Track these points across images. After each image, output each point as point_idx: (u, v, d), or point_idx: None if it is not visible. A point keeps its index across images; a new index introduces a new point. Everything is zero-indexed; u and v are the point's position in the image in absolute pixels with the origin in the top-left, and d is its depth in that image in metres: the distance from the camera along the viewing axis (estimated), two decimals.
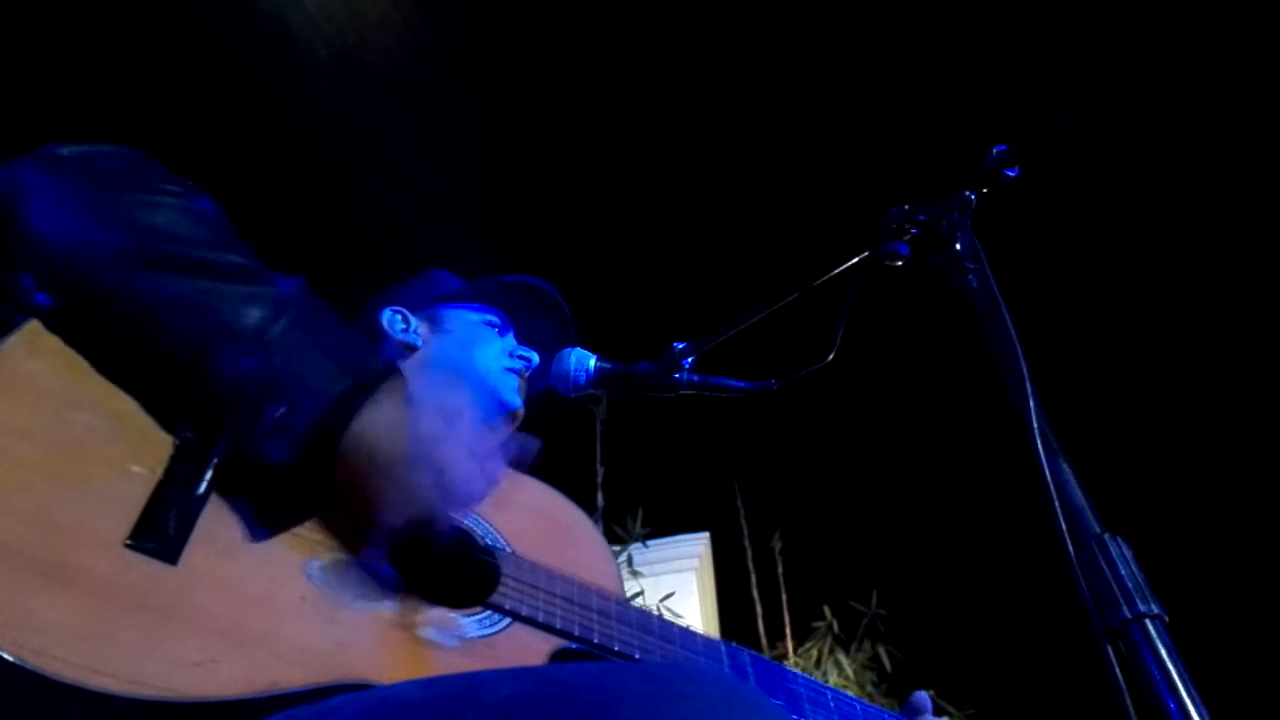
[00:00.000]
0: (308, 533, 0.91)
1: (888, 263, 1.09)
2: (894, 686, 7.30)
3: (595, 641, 1.06)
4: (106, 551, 0.77)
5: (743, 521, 9.22)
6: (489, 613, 1.01)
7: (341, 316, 1.02)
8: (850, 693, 1.43)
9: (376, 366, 0.95)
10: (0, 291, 0.89)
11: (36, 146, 0.93)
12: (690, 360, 1.30)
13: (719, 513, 9.70)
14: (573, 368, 1.35)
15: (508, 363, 1.44)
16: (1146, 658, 0.69)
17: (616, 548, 6.14)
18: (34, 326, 0.87)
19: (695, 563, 9.82)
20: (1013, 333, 0.91)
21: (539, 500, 1.24)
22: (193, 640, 0.76)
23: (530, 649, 1.01)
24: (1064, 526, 0.77)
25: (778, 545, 9.00)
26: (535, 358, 1.48)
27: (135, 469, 0.83)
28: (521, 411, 1.44)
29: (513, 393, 1.42)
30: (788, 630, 8.22)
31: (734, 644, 1.23)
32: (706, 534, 10.06)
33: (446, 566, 1.01)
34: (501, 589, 1.03)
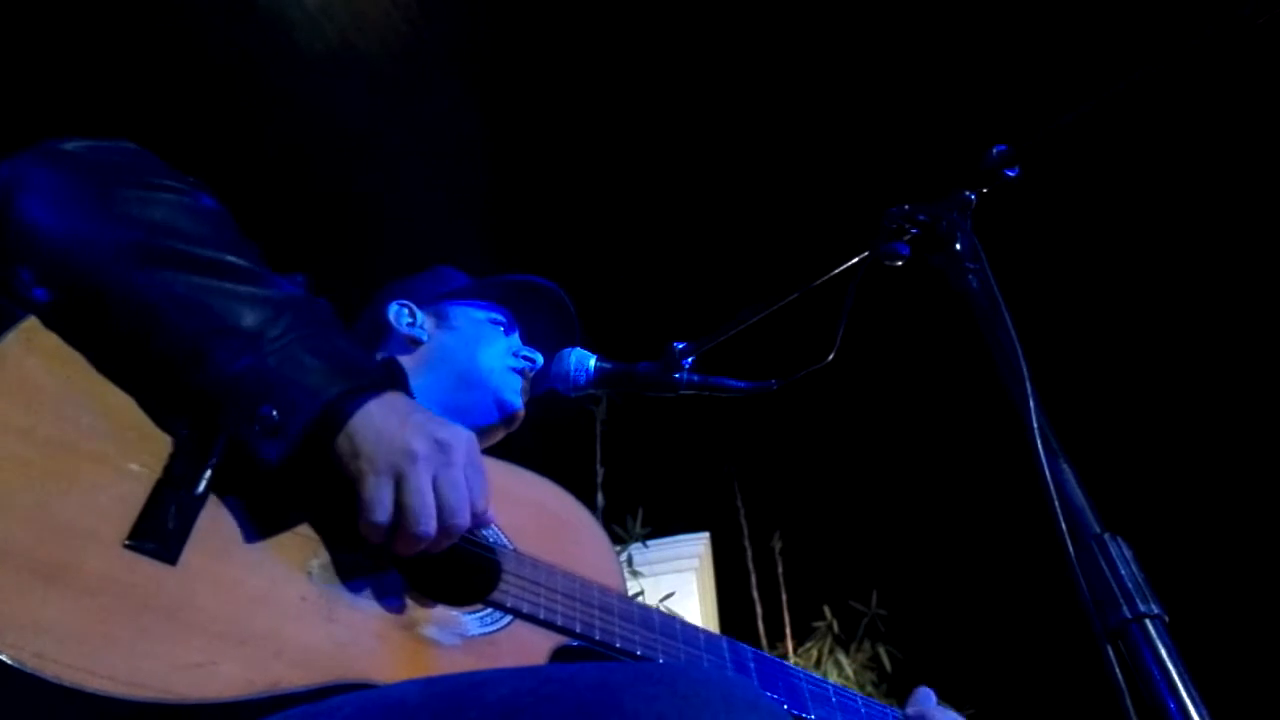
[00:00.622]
0: (307, 532, 0.91)
1: (888, 263, 1.09)
2: (894, 686, 7.30)
3: (597, 638, 1.06)
4: (105, 551, 0.77)
5: (743, 521, 9.22)
6: (490, 610, 1.00)
7: (343, 314, 1.01)
8: None
9: (374, 370, 0.94)
10: None
11: (37, 142, 0.93)
12: (690, 360, 1.30)
13: (719, 513, 9.70)
14: (573, 368, 1.35)
15: (512, 362, 1.44)
16: (1146, 658, 0.69)
17: (616, 548, 6.13)
18: (31, 324, 0.86)
19: (695, 563, 9.82)
20: (1013, 333, 0.91)
21: (541, 495, 1.23)
22: (193, 641, 0.76)
23: (532, 646, 1.01)
24: (1064, 526, 0.77)
25: (778, 545, 9.01)
26: (539, 358, 1.48)
27: (133, 468, 0.83)
28: (522, 413, 1.44)
29: (515, 394, 1.42)
30: (788, 630, 8.23)
31: (735, 640, 1.23)
32: (706, 534, 10.06)
33: (447, 564, 1.01)
34: (503, 586, 1.03)
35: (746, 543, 9.09)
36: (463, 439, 0.93)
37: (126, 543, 0.78)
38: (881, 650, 7.40)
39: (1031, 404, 0.85)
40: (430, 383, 1.37)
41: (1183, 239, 11.84)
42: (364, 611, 0.89)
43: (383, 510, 0.87)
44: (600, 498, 6.52)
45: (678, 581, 8.93)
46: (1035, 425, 0.83)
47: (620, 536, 6.30)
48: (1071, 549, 0.76)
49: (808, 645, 7.59)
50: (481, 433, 1.41)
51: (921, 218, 1.05)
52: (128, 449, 0.84)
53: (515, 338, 1.50)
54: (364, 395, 0.90)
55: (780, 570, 8.84)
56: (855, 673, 7.26)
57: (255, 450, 0.84)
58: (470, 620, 0.98)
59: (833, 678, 7.01)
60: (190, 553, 0.81)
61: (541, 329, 1.54)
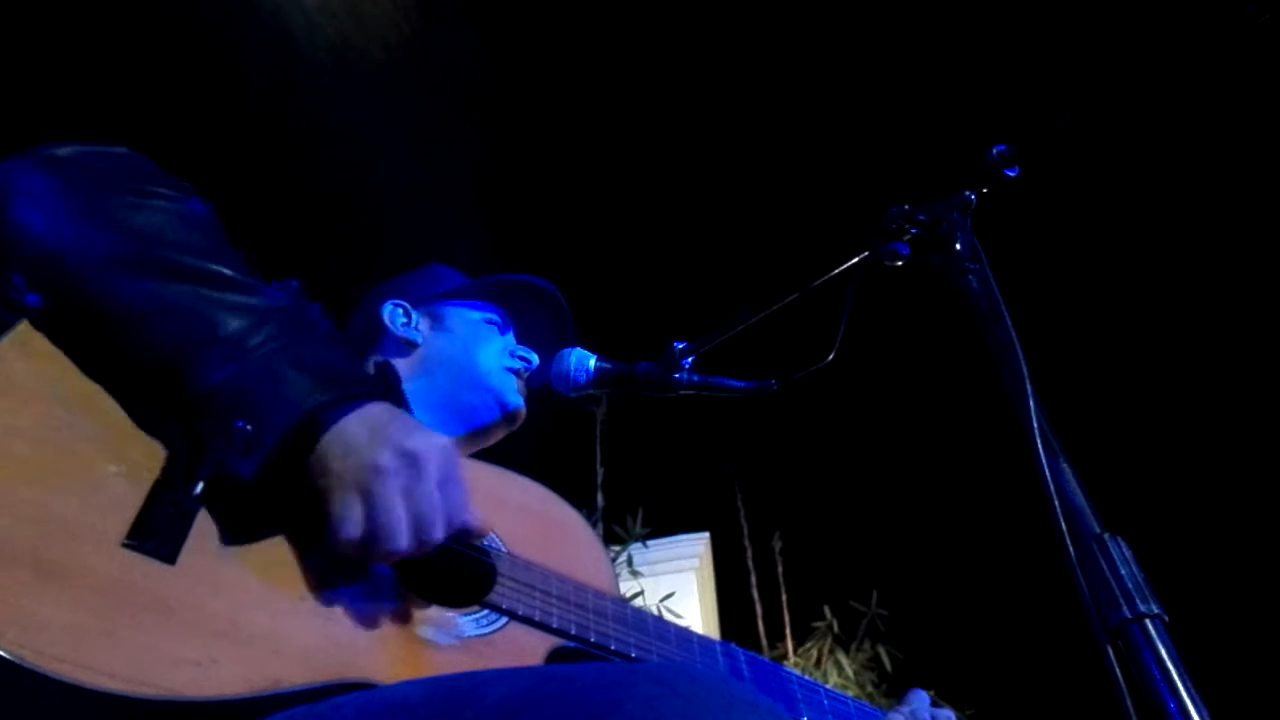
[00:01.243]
0: (303, 533, 0.91)
1: (888, 263, 1.09)
2: (894, 687, 7.30)
3: (592, 640, 1.06)
4: (104, 550, 0.77)
5: (743, 521, 9.23)
6: (486, 612, 1.01)
7: (339, 315, 1.01)
8: (850, 693, 1.43)
9: (356, 379, 0.93)
10: None
11: (31, 147, 0.93)
12: (690, 360, 1.30)
13: (719, 513, 9.71)
14: (573, 368, 1.35)
15: (508, 362, 1.44)
16: (1146, 658, 0.69)
17: (616, 548, 6.14)
18: (25, 328, 0.86)
19: (695, 563, 9.82)
20: (1012, 333, 0.91)
21: (534, 500, 1.23)
22: (192, 639, 0.76)
23: (528, 648, 1.01)
24: (1064, 526, 0.77)
25: (778, 545, 9.01)
26: (535, 358, 1.48)
27: (130, 469, 0.83)
28: (523, 412, 1.44)
29: (514, 394, 1.42)
30: (788, 630, 8.23)
31: (730, 643, 1.23)
32: (706, 534, 10.06)
33: (443, 566, 1.01)
34: (498, 588, 1.03)
35: (746, 543, 9.09)
36: (436, 450, 0.90)
37: (125, 542, 0.78)
38: (881, 650, 7.40)
39: (1031, 404, 0.85)
40: (427, 385, 1.37)
41: (1183, 239, 11.85)
42: (361, 612, 0.89)
43: (351, 526, 0.85)
44: (600, 498, 6.52)
45: (678, 581, 8.92)
46: (1035, 425, 0.83)
47: (620, 536, 6.30)
48: (1071, 549, 0.76)
49: (808, 645, 7.58)
50: (483, 432, 1.42)
51: (921, 218, 1.05)
52: (124, 450, 0.84)
53: (510, 337, 1.50)
54: (343, 406, 0.89)
55: (780, 570, 8.85)
56: (855, 673, 7.25)
57: (230, 466, 0.84)
58: (466, 622, 0.98)
59: (833, 678, 7.01)
60: (188, 552, 0.81)
61: (536, 328, 1.53)
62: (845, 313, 1.18)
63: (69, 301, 0.87)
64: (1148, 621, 0.71)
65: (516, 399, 1.42)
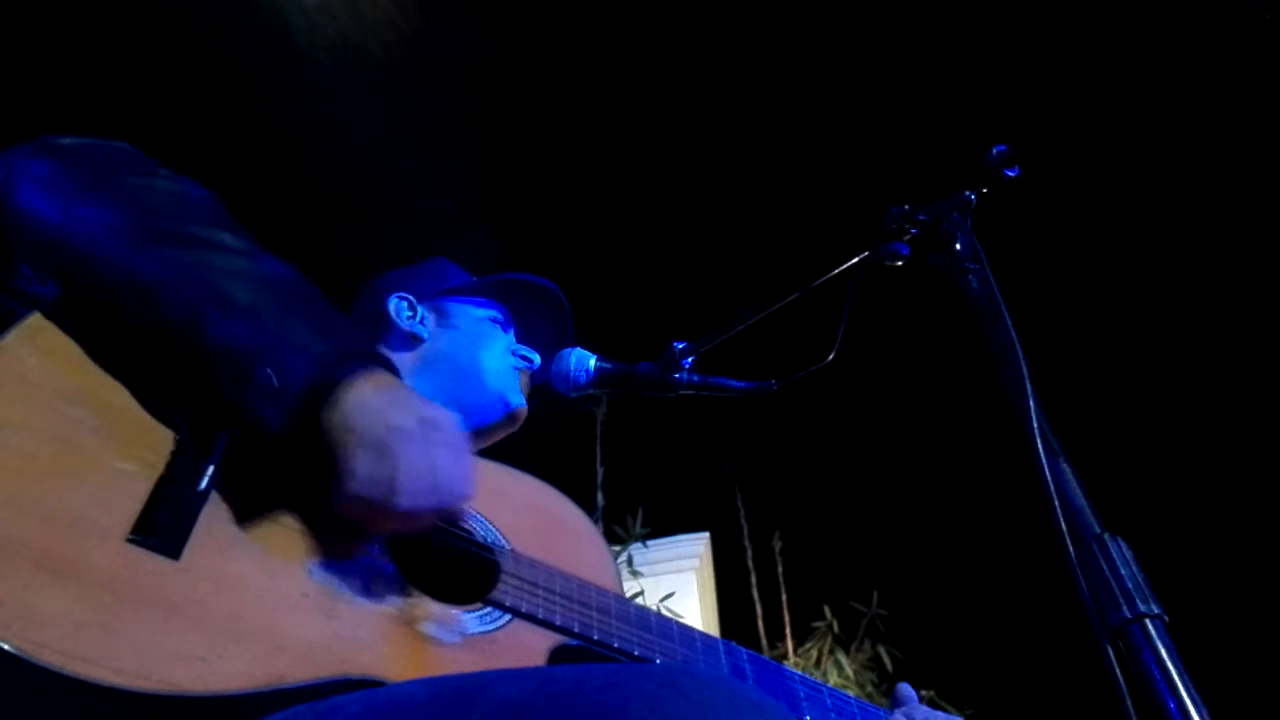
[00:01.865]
0: (307, 529, 0.91)
1: (888, 263, 1.09)
2: (894, 687, 7.29)
3: (595, 638, 1.07)
4: (109, 545, 0.77)
5: (743, 521, 9.23)
6: (489, 609, 1.01)
7: (339, 306, 1.02)
8: (850, 693, 1.43)
9: (364, 342, 0.95)
10: (0, 284, 0.89)
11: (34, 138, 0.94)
12: (690, 360, 1.30)
13: (719, 513, 9.70)
14: (573, 368, 1.35)
15: (511, 361, 1.45)
16: (1146, 658, 0.69)
17: (616, 548, 6.15)
18: (34, 321, 0.87)
19: (695, 563, 9.82)
20: (1012, 332, 0.91)
21: (537, 497, 1.24)
22: (196, 635, 0.76)
23: (531, 645, 1.01)
24: (1064, 526, 0.77)
25: (778, 545, 9.01)
26: (537, 357, 1.48)
27: (136, 465, 0.84)
28: (525, 411, 1.44)
29: (517, 393, 1.43)
30: (788, 630, 8.23)
31: (731, 642, 1.23)
32: (706, 534, 10.05)
33: (446, 563, 1.01)
34: (501, 586, 1.03)
35: (746, 543, 9.09)
36: (449, 419, 0.92)
37: (130, 537, 0.79)
38: (882, 650, 7.40)
39: (1031, 404, 0.85)
40: (431, 380, 1.37)
41: (1183, 239, 11.85)
42: (365, 608, 0.89)
43: (365, 483, 0.85)
44: (600, 498, 6.52)
45: (678, 581, 8.92)
46: (1035, 425, 0.83)
47: (620, 536, 6.30)
48: (1071, 549, 0.76)
49: (808, 645, 7.59)
50: (485, 432, 1.42)
51: (921, 218, 1.05)
52: (130, 446, 0.85)
53: (511, 335, 1.50)
54: (355, 363, 0.90)
55: (780, 570, 8.84)
56: (855, 673, 7.25)
57: (257, 415, 0.85)
58: (470, 619, 0.98)
59: (833, 678, 7.01)
60: (192, 548, 0.82)
61: (536, 327, 1.54)
62: (845, 313, 1.18)
63: (81, 279, 0.88)
64: (1148, 621, 0.71)
65: (519, 398, 1.42)
